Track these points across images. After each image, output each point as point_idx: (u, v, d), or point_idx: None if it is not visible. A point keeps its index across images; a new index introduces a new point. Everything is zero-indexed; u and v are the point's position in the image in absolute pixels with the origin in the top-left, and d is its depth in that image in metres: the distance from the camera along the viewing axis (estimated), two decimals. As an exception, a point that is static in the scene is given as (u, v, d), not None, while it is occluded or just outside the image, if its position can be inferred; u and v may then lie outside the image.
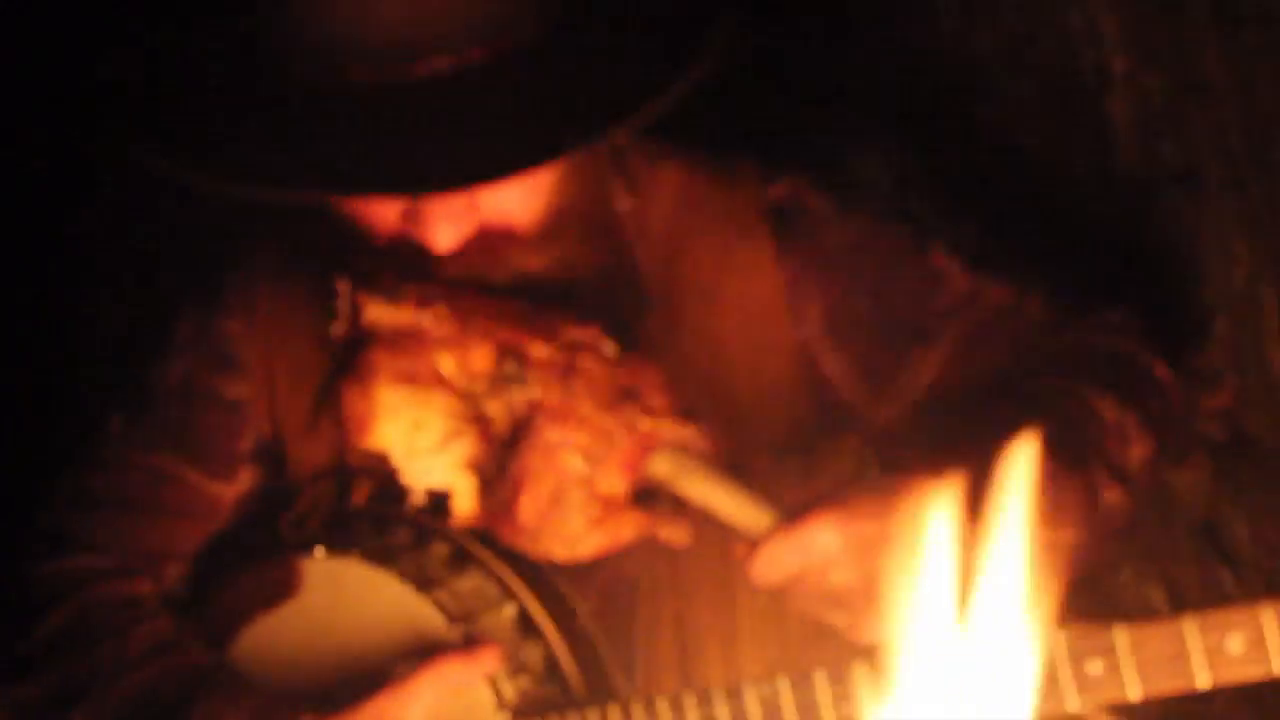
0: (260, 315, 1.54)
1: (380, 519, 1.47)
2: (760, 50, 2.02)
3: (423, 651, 1.36)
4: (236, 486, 1.55)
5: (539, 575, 1.43)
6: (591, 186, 1.42)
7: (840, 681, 1.24)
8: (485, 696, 1.36)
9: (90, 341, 1.70)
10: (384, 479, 1.49)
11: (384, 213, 1.31)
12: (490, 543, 1.44)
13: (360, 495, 1.48)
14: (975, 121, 2.02)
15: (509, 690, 1.36)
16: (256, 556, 1.48)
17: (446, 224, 1.28)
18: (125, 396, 1.57)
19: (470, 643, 1.36)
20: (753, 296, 1.44)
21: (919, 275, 1.42)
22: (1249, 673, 1.11)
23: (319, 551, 1.44)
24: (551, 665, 1.40)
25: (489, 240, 1.31)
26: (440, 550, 1.44)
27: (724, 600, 1.45)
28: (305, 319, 1.50)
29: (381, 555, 1.42)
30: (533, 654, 1.39)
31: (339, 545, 1.44)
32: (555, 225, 1.34)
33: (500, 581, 1.42)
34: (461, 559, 1.43)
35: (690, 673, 1.44)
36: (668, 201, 1.46)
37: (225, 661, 1.47)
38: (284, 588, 1.45)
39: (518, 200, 1.31)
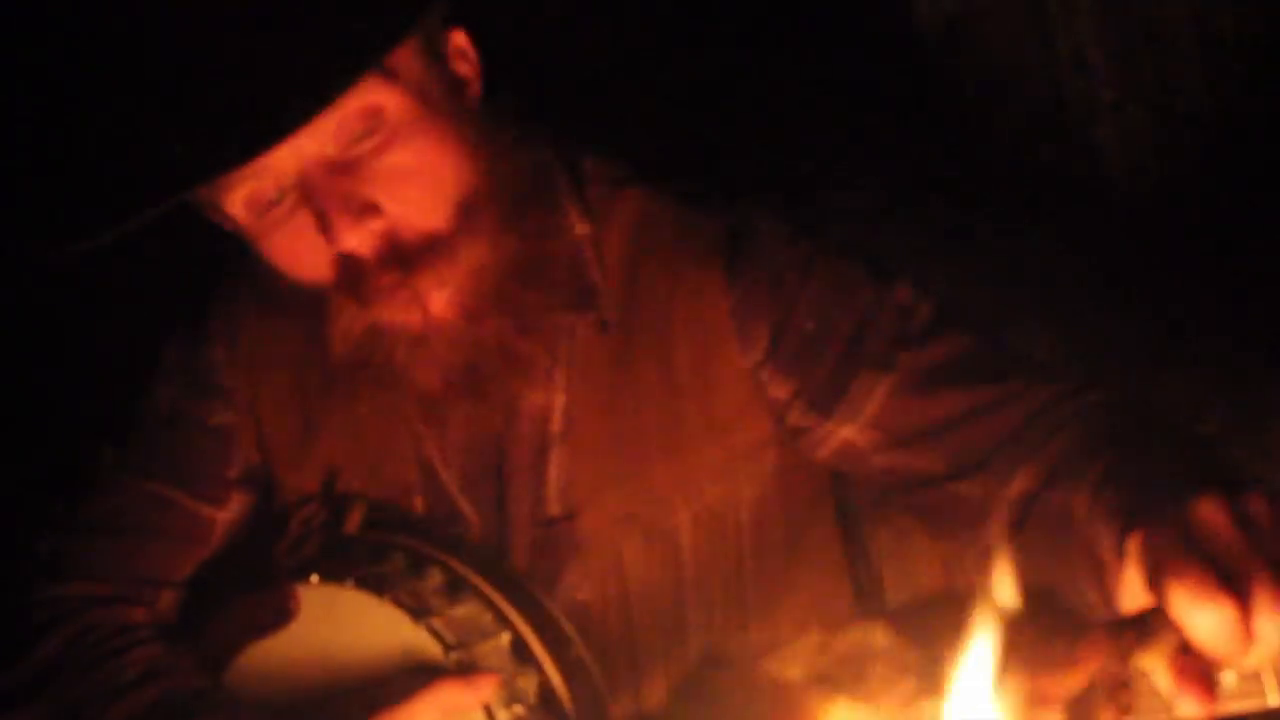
0: (243, 344, 1.55)
1: (375, 546, 1.47)
2: (742, 74, 2.04)
3: (418, 679, 1.35)
4: (228, 512, 1.56)
5: (534, 604, 1.43)
6: (540, 209, 1.42)
7: None
8: (481, 725, 1.35)
9: (81, 371, 1.72)
10: (376, 505, 1.51)
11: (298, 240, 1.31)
12: (486, 570, 1.45)
13: (354, 521, 1.49)
14: (966, 148, 2.04)
15: (504, 719, 1.36)
16: (251, 583, 1.48)
17: (344, 220, 1.27)
18: (115, 425, 1.58)
19: (466, 670, 1.35)
20: (704, 322, 1.44)
21: (873, 302, 1.40)
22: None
23: (314, 578, 1.44)
24: (546, 694, 1.39)
25: (407, 246, 1.30)
26: (435, 578, 1.44)
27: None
28: (288, 348, 1.52)
29: (376, 582, 1.41)
30: (528, 683, 1.39)
31: (334, 572, 1.43)
32: (487, 231, 1.34)
33: (495, 609, 1.42)
34: (456, 587, 1.43)
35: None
36: (626, 228, 1.47)
37: (220, 686, 1.48)
38: (279, 614, 1.44)
39: (417, 202, 1.30)
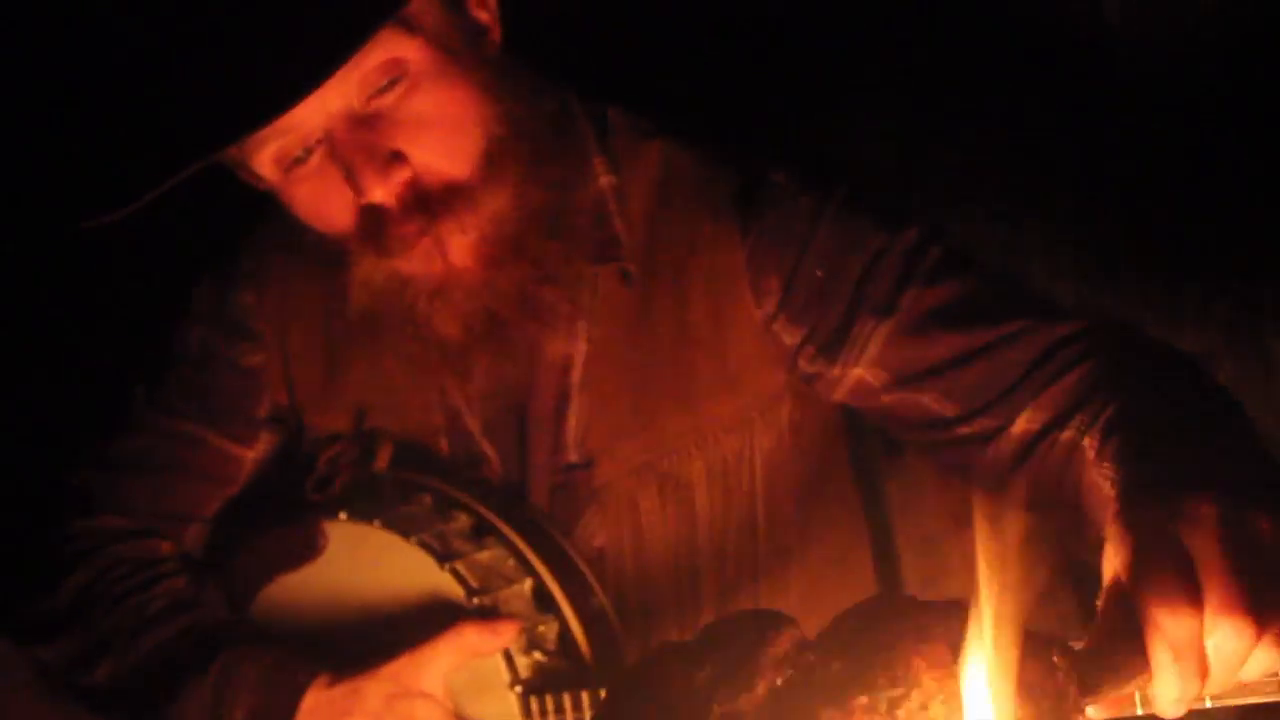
0: (272, 289, 1.57)
1: (403, 485, 1.49)
2: (770, 32, 2.02)
3: (440, 620, 1.38)
4: (256, 450, 1.59)
5: (558, 551, 1.46)
6: (564, 159, 1.42)
7: None
8: (499, 670, 1.38)
9: (114, 311, 1.73)
10: (404, 444, 1.53)
11: (328, 188, 1.32)
12: (511, 516, 1.47)
13: (383, 460, 1.51)
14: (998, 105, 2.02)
15: (523, 665, 1.38)
16: (279, 519, 1.50)
17: (370, 172, 1.28)
18: (147, 364, 1.60)
19: (488, 615, 1.38)
20: (719, 274, 1.44)
21: (881, 249, 1.39)
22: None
23: (342, 515, 1.46)
24: (566, 642, 1.42)
25: (431, 194, 1.31)
26: (461, 521, 1.46)
27: None
28: (315, 291, 1.53)
29: (403, 523, 1.44)
30: (548, 630, 1.42)
31: (362, 510, 1.46)
32: (511, 179, 1.34)
33: (519, 556, 1.44)
34: (482, 531, 1.46)
35: None
36: (649, 180, 1.47)
37: (245, 619, 1.51)
38: (307, 549, 1.47)
39: (440, 148, 1.31)
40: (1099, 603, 0.91)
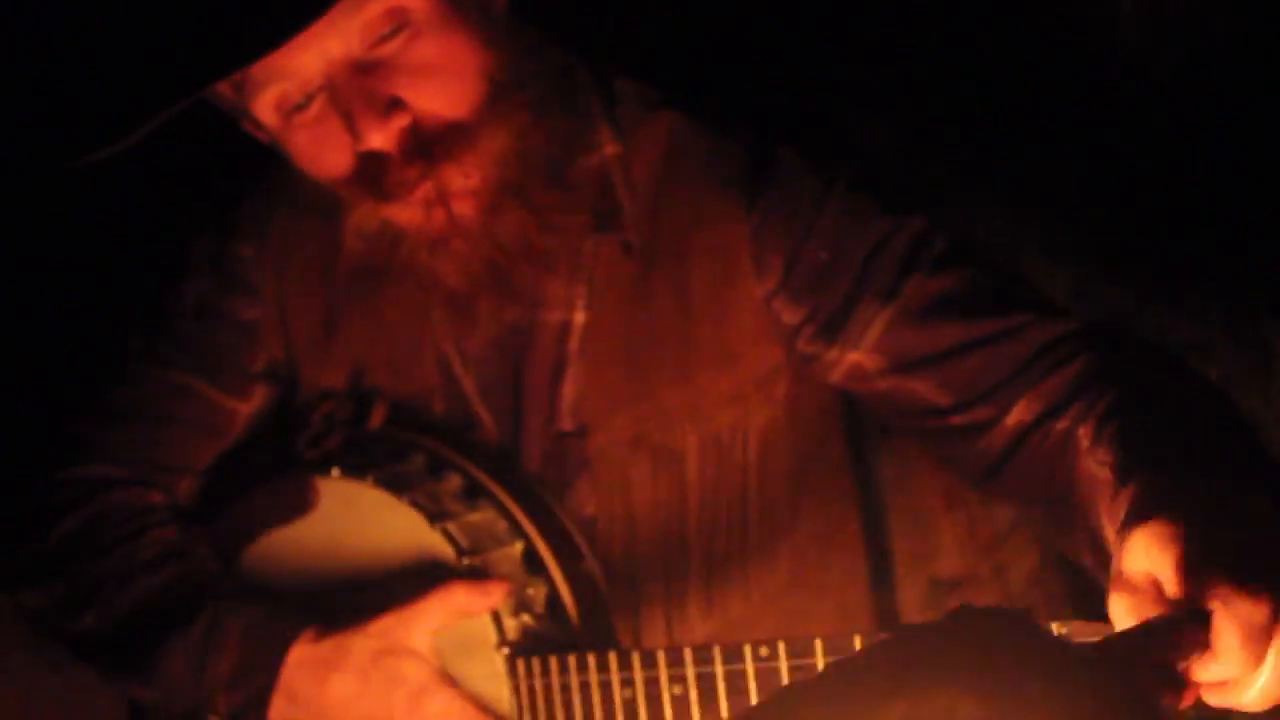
0: (272, 241, 1.56)
1: (397, 444, 1.49)
2: (779, 15, 2.01)
3: (430, 579, 1.38)
4: (250, 404, 1.58)
5: (549, 515, 1.46)
6: (568, 118, 1.42)
7: (840, 649, 1.24)
8: (487, 631, 1.38)
9: (111, 261, 1.72)
10: (399, 403, 1.53)
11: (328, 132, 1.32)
12: (503, 478, 1.46)
13: (377, 417, 1.51)
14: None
15: (511, 626, 1.38)
16: (270, 473, 1.50)
17: (370, 118, 1.28)
18: (143, 314, 1.59)
19: (478, 576, 1.38)
20: (722, 248, 1.44)
21: (886, 233, 1.39)
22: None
23: (335, 471, 1.46)
24: (554, 606, 1.42)
25: (431, 138, 1.31)
26: (453, 481, 1.46)
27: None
28: (315, 246, 1.53)
29: (396, 482, 1.43)
30: (537, 593, 1.42)
31: (355, 467, 1.45)
32: (513, 123, 1.34)
33: (510, 518, 1.44)
34: (474, 493, 1.45)
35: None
36: (655, 151, 1.46)
37: (235, 572, 1.51)
38: (298, 504, 1.47)
39: (440, 95, 1.31)
40: (1114, 589, 0.92)
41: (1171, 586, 0.89)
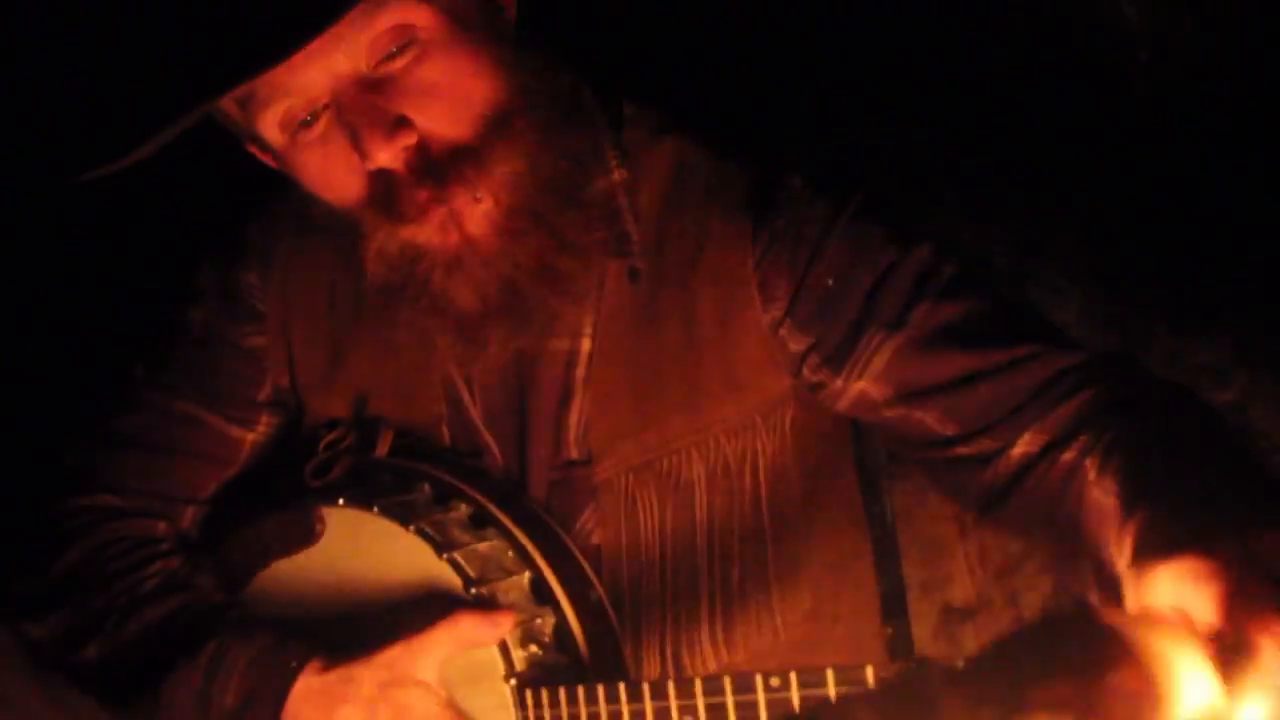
0: (277, 269, 1.55)
1: (403, 473, 1.48)
2: (785, 33, 2.01)
3: (437, 609, 1.36)
4: (255, 433, 1.58)
5: (557, 544, 1.44)
6: (576, 135, 1.41)
7: (852, 680, 1.23)
8: (494, 662, 1.36)
9: (116, 289, 1.72)
10: (405, 432, 1.52)
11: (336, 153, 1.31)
12: (510, 507, 1.45)
13: (383, 447, 1.50)
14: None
15: (519, 657, 1.37)
16: (277, 503, 1.49)
17: (375, 135, 1.28)
18: (148, 342, 1.58)
19: (486, 606, 1.37)
20: (728, 276, 1.43)
21: (893, 262, 1.38)
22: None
23: (341, 501, 1.44)
24: (563, 636, 1.40)
25: (439, 159, 1.30)
26: (461, 511, 1.45)
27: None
28: (321, 274, 1.53)
29: (402, 511, 1.42)
30: (545, 623, 1.40)
31: (360, 496, 1.44)
32: (523, 145, 1.33)
33: (518, 547, 1.43)
34: (481, 522, 1.44)
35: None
36: (661, 177, 1.46)
37: (238, 601, 1.49)
38: (305, 534, 1.46)
39: (447, 116, 1.30)
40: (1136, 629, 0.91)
41: (1212, 620, 0.88)
